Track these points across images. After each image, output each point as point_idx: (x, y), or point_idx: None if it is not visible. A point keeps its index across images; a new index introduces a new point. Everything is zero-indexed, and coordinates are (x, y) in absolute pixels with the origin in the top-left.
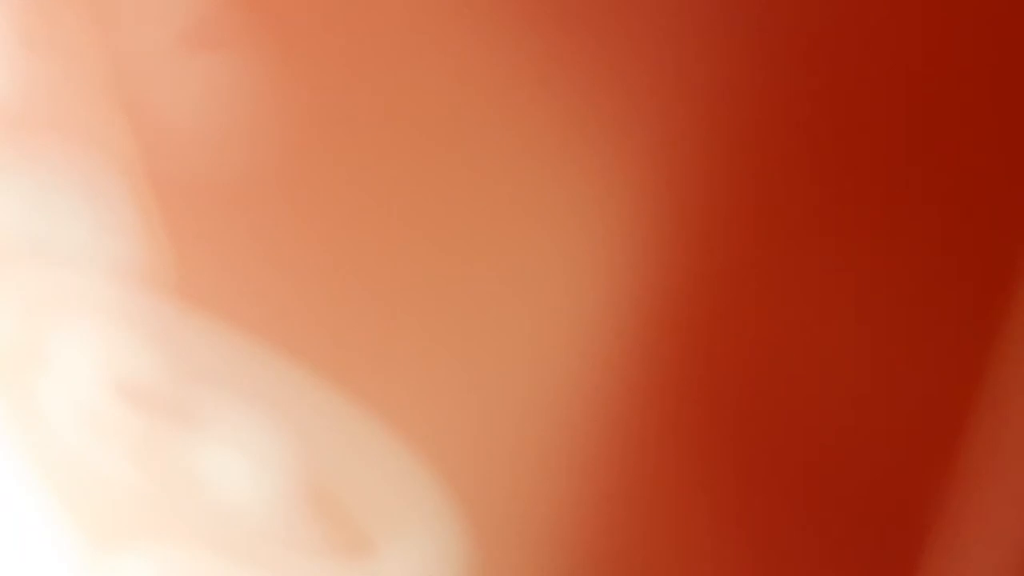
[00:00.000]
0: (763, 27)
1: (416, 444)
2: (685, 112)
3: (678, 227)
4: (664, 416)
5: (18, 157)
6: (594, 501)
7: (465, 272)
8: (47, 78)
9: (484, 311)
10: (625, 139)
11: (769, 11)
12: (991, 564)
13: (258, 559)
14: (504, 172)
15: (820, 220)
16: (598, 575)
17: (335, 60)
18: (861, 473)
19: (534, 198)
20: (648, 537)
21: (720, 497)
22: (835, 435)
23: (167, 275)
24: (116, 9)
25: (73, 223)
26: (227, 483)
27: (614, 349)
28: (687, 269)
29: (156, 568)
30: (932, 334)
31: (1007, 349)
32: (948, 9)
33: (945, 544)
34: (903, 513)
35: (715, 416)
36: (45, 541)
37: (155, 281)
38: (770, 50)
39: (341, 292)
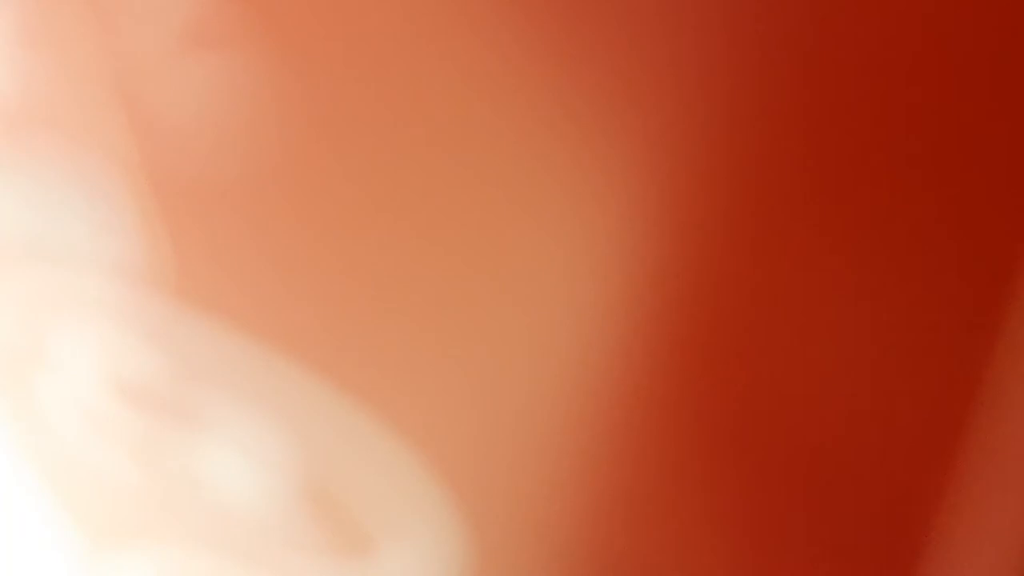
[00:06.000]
0: (763, 28)
1: (416, 444)
2: (685, 114)
3: (678, 230)
4: (663, 416)
5: (18, 156)
6: (593, 501)
7: (464, 272)
8: (47, 78)
9: (484, 312)
10: (625, 140)
11: (769, 12)
12: (991, 564)
13: (258, 559)
14: (504, 173)
15: (820, 222)
16: (597, 574)
17: (334, 60)
18: (861, 474)
19: (534, 200)
20: (647, 537)
21: (720, 497)
22: (835, 435)
23: (167, 275)
24: (116, 9)
25: (73, 223)
26: (227, 483)
27: (614, 350)
28: (687, 271)
29: (156, 568)
30: (932, 335)
31: (1007, 349)
32: (947, 10)
33: (945, 544)
34: (903, 513)
35: (715, 416)
36: (45, 541)
37: (155, 281)
38: (770, 50)
39: (341, 292)
